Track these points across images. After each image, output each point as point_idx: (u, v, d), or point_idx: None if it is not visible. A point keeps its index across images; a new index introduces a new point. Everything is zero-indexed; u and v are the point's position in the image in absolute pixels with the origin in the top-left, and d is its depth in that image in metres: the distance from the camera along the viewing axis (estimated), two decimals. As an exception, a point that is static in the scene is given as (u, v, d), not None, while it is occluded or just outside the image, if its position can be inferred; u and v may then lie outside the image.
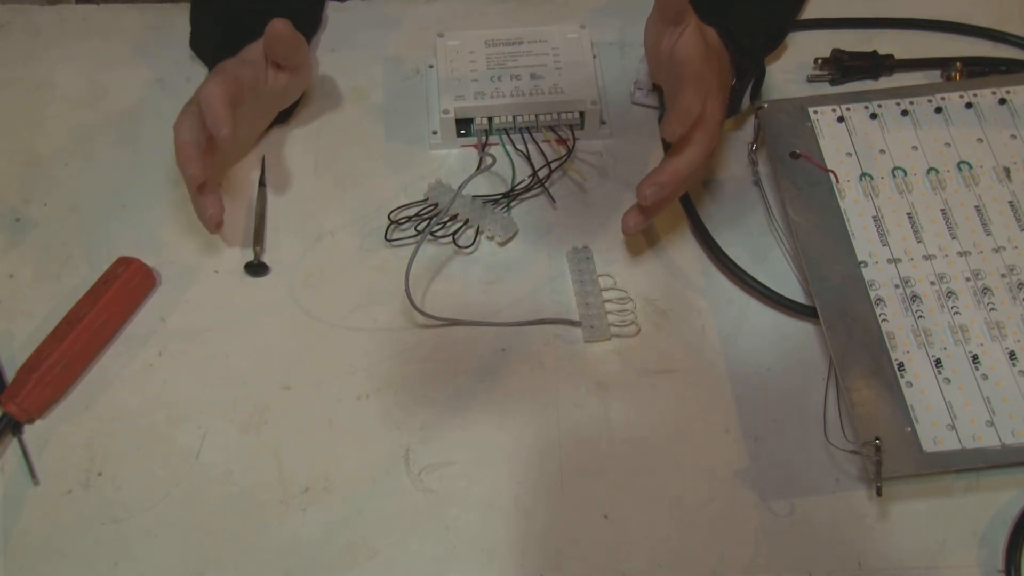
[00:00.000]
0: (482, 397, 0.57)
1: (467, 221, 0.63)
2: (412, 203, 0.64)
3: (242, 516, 0.53)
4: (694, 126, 0.55)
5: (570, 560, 0.51)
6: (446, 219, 0.63)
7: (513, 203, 0.65)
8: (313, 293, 0.61)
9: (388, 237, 0.62)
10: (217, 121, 0.56)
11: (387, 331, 0.59)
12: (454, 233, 0.63)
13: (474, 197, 0.64)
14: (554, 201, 0.65)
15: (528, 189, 0.65)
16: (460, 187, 0.61)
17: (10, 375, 0.56)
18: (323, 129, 0.69)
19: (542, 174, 0.65)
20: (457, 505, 0.53)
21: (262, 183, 0.65)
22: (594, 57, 0.68)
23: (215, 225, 0.59)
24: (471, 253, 0.63)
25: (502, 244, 0.63)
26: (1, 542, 0.52)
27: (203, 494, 0.53)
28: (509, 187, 0.65)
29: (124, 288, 0.59)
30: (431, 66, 0.71)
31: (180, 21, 0.71)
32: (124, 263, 0.59)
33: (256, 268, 0.61)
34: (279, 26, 0.59)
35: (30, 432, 0.56)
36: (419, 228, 0.63)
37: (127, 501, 0.53)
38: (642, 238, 0.63)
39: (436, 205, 0.63)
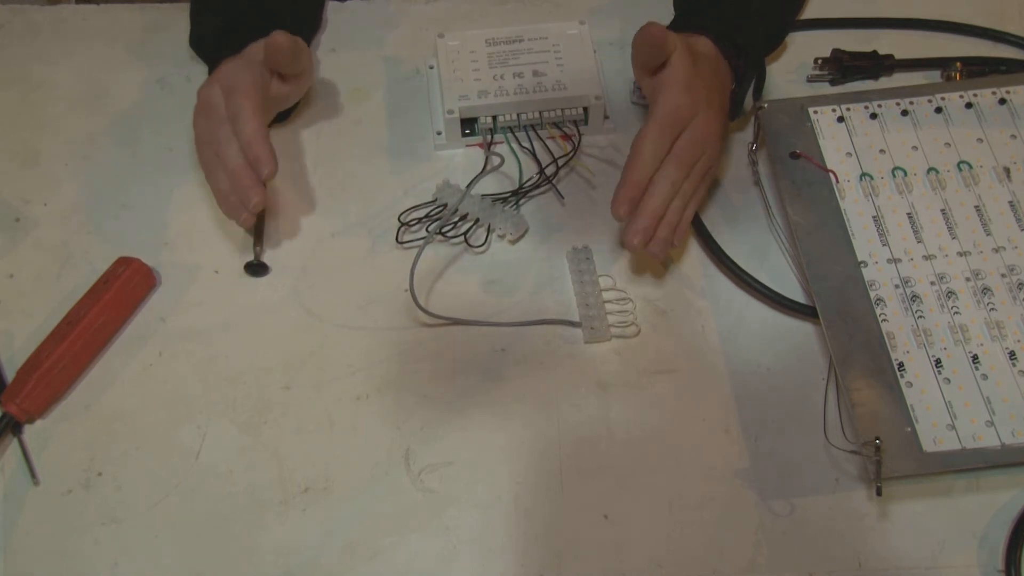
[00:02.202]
0: (482, 397, 0.57)
1: (477, 220, 0.63)
2: (421, 204, 0.64)
3: (242, 516, 0.53)
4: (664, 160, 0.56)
5: (570, 560, 0.51)
6: (456, 219, 0.62)
7: (522, 200, 0.64)
8: (313, 293, 0.61)
9: (399, 240, 0.62)
10: (267, 161, 0.56)
11: (387, 331, 0.59)
12: (465, 232, 0.63)
13: (483, 196, 0.63)
14: (562, 198, 0.64)
15: (537, 186, 0.64)
16: (468, 186, 0.61)
17: (10, 375, 0.56)
18: (323, 129, 0.69)
19: (549, 171, 0.65)
20: (457, 505, 0.53)
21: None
22: (594, 52, 0.68)
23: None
24: (482, 252, 0.63)
25: (513, 242, 0.63)
26: (1, 542, 0.52)
27: (203, 494, 0.53)
28: (516, 185, 0.64)
29: (124, 288, 0.59)
30: (431, 67, 0.71)
31: (180, 21, 0.71)
32: (124, 263, 0.59)
33: (256, 268, 0.61)
34: (280, 39, 0.57)
35: (30, 432, 0.56)
36: (430, 229, 0.62)
37: (127, 501, 0.53)
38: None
39: (445, 206, 0.63)
